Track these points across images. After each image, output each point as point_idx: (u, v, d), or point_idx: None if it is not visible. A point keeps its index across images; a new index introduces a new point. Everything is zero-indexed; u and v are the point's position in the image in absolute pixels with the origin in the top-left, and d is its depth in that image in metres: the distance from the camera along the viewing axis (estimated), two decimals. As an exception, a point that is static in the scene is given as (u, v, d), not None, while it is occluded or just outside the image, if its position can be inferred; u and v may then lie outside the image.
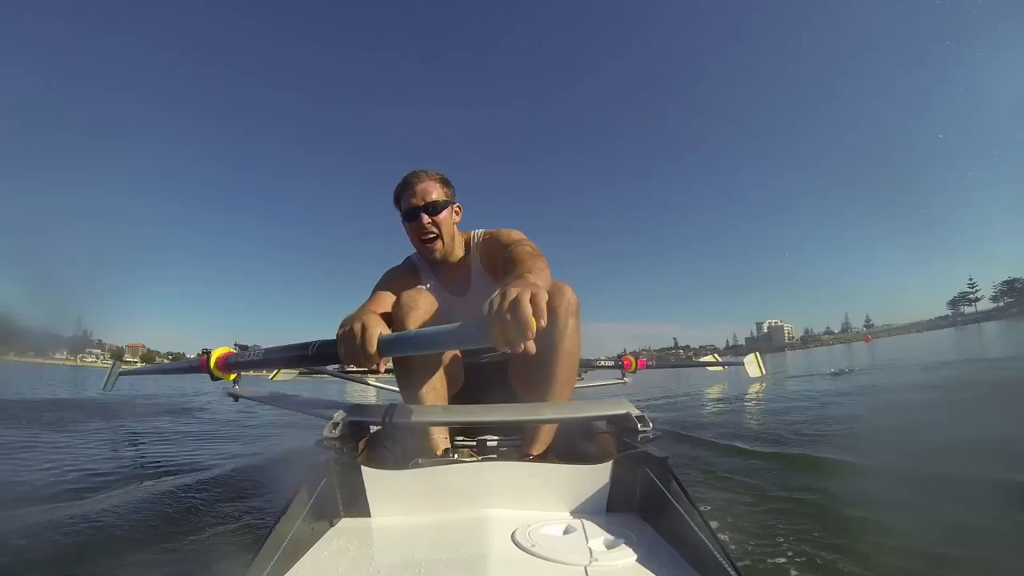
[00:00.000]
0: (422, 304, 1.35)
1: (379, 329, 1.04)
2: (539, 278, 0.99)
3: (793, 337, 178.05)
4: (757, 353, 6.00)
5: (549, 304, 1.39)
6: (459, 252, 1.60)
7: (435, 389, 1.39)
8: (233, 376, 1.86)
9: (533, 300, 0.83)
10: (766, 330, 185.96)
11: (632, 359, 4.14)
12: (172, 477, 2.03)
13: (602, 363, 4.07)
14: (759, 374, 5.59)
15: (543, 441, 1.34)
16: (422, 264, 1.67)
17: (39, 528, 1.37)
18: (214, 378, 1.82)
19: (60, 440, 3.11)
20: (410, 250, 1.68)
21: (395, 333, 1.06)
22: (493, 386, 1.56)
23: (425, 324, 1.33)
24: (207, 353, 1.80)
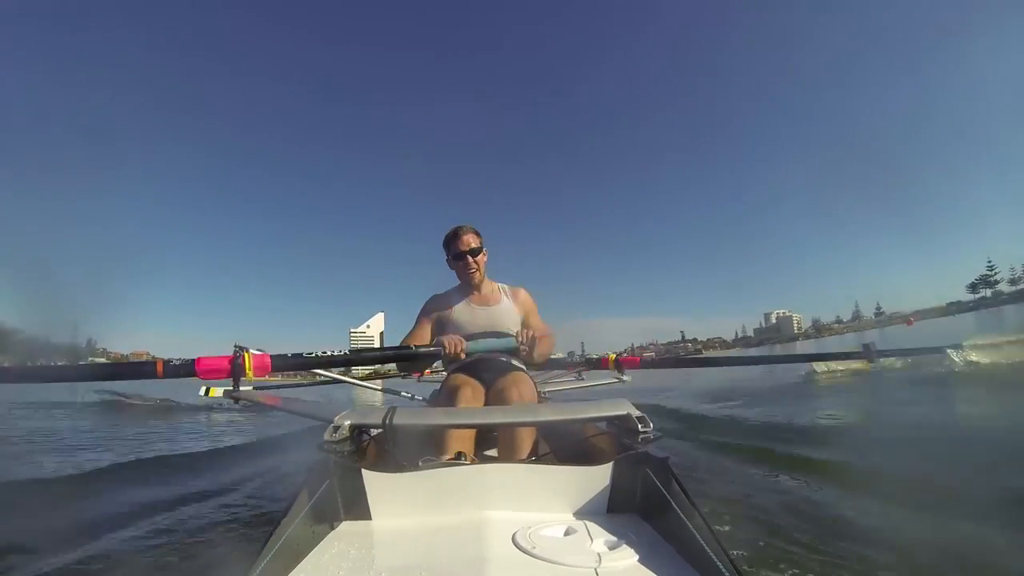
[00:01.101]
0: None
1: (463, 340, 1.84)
2: (547, 341, 2.01)
3: (802, 327, 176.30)
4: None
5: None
6: (488, 287, 2.25)
7: (468, 398, 1.80)
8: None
9: (542, 340, 1.89)
10: (774, 321, 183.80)
11: (612, 356, 3.48)
12: (172, 478, 2.03)
13: (571, 361, 3.55)
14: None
15: (526, 444, 1.51)
16: (457, 293, 2.31)
17: (37, 528, 1.37)
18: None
19: (51, 437, 3.04)
20: (439, 284, 2.39)
21: (474, 341, 1.89)
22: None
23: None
24: (240, 354, 1.69)
